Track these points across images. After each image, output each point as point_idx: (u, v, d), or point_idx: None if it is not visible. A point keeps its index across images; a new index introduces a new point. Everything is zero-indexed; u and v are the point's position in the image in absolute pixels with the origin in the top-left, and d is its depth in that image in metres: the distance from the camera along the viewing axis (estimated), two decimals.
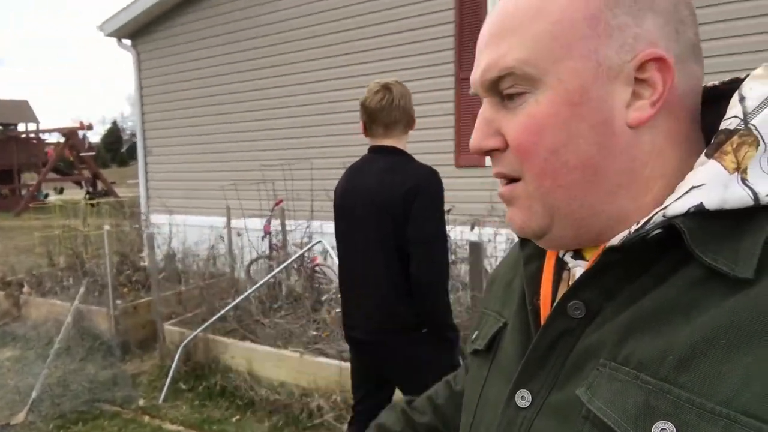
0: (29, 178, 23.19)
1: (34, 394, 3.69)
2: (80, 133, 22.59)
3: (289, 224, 5.46)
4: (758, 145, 0.42)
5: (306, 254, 4.80)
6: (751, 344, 0.37)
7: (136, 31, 7.81)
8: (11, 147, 21.50)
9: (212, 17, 7.10)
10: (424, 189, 1.84)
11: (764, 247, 0.40)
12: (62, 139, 21.51)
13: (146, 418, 3.59)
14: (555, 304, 0.51)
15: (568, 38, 0.47)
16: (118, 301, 4.85)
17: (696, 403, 0.38)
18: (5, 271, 6.37)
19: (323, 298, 4.62)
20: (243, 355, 3.91)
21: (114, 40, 7.84)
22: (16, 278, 6.07)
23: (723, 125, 0.45)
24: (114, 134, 63.73)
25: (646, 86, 0.47)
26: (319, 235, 4.78)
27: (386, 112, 1.92)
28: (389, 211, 1.86)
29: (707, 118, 0.50)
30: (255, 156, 6.75)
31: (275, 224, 5.68)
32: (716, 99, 0.50)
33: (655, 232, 0.44)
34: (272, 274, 4.28)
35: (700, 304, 0.41)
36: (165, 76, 7.69)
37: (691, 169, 0.46)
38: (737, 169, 0.42)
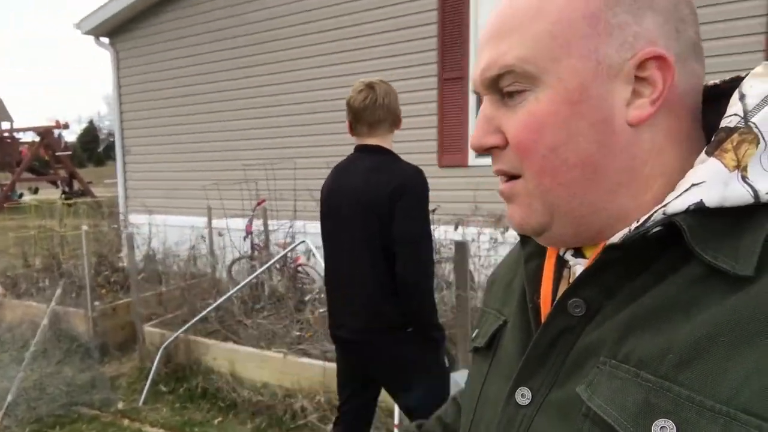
0: (3, 177, 22.66)
1: (9, 398, 3.60)
2: (56, 132, 22.13)
3: (272, 224, 5.43)
4: (758, 142, 0.42)
5: (289, 254, 4.77)
6: (751, 342, 0.37)
7: (114, 30, 7.68)
8: None
9: (192, 16, 7.02)
10: (410, 188, 1.84)
11: (764, 245, 0.40)
12: (37, 138, 21.05)
13: (126, 422, 3.53)
14: (555, 302, 0.51)
15: (568, 37, 0.47)
16: (96, 303, 4.76)
17: (696, 401, 0.38)
18: None
19: (306, 299, 4.60)
20: (225, 356, 3.87)
21: (91, 38, 7.70)
22: None
23: (723, 123, 0.45)
24: (90, 133, 62.59)
25: (646, 84, 0.47)
26: (302, 235, 4.75)
27: (370, 111, 1.91)
28: (375, 210, 1.85)
29: (708, 117, 0.50)
30: (237, 155, 6.69)
31: (257, 224, 5.63)
32: (717, 98, 0.50)
33: (656, 229, 0.44)
34: (255, 274, 4.24)
35: (701, 301, 0.41)
36: (144, 74, 7.58)
37: (691, 167, 0.46)
38: (737, 166, 0.42)
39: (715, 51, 3.94)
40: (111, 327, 4.67)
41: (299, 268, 5.18)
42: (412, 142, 5.29)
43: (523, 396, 0.51)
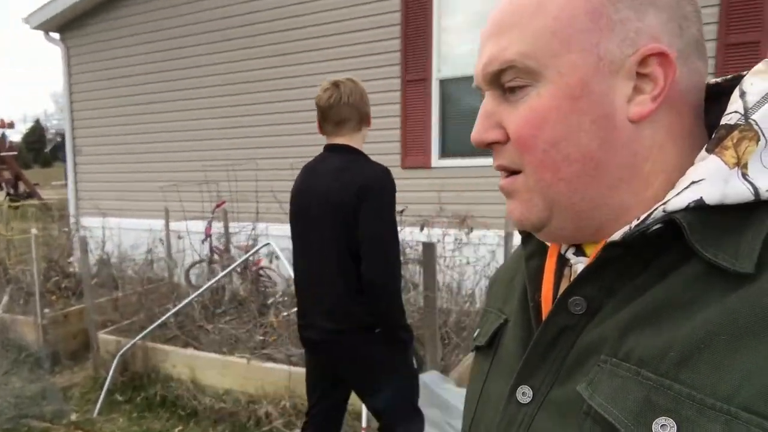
0: None
1: None
2: None
3: (233, 226, 5.31)
4: (759, 140, 0.42)
5: (251, 257, 4.68)
6: (751, 340, 0.37)
7: (66, 25, 7.38)
8: None
9: (150, 12, 6.81)
10: (376, 188, 1.83)
11: (765, 242, 0.40)
12: None
13: None
14: (556, 300, 0.51)
15: (569, 32, 0.47)
16: (46, 310, 4.56)
17: (697, 399, 0.38)
18: None
19: (269, 302, 4.52)
20: (185, 362, 3.75)
21: (41, 33, 7.37)
22: None
23: (724, 120, 0.45)
24: (37, 133, 60.00)
25: (648, 81, 0.47)
26: (265, 238, 4.67)
27: (335, 109, 1.90)
28: (342, 210, 1.84)
29: (710, 115, 0.50)
30: (197, 156, 6.53)
31: (218, 227, 5.51)
32: (719, 96, 0.50)
33: (655, 227, 0.44)
34: (218, 277, 4.14)
35: (701, 299, 0.41)
36: (97, 71, 7.30)
37: (693, 164, 0.46)
38: (737, 164, 0.42)
39: (714, 51, 4.03)
40: (62, 335, 4.47)
41: (261, 271, 5.09)
42: (375, 143, 5.27)
43: (524, 394, 0.51)
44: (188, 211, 5.82)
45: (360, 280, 1.85)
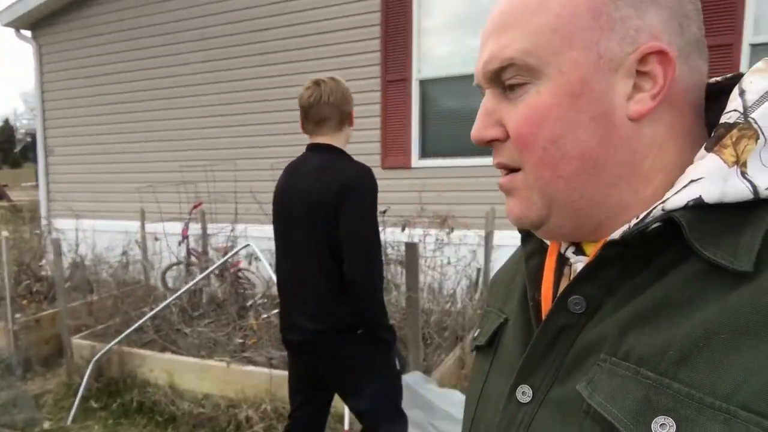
0: None
1: None
2: None
3: (212, 228, 5.24)
4: (758, 138, 0.42)
5: (230, 259, 4.62)
6: (750, 339, 0.37)
7: (38, 22, 7.20)
8: None
9: (125, 9, 6.69)
10: (357, 187, 1.82)
11: (764, 241, 0.40)
12: None
13: None
14: (556, 299, 0.51)
15: (570, 30, 0.47)
16: (18, 315, 4.42)
17: (696, 398, 0.38)
18: None
19: (248, 304, 4.47)
20: (163, 367, 3.68)
21: (12, 30, 7.18)
22: None
23: (723, 119, 0.45)
24: (5, 133, 58.52)
25: (647, 79, 0.47)
26: (244, 239, 4.61)
27: (315, 108, 1.90)
28: (323, 209, 1.83)
29: (710, 114, 0.51)
30: (174, 156, 6.42)
31: (195, 228, 5.43)
32: (719, 94, 0.50)
33: (654, 225, 0.44)
34: (197, 279, 4.08)
35: (700, 298, 0.41)
36: (70, 70, 7.14)
37: (692, 163, 0.46)
38: (736, 162, 0.42)
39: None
40: (34, 340, 4.35)
41: (240, 273, 5.03)
42: (355, 143, 5.22)
43: (524, 394, 0.51)
44: (165, 212, 5.73)
45: (342, 280, 1.84)
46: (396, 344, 2.02)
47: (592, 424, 0.43)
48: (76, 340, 4.02)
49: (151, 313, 3.92)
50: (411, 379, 2.56)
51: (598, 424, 0.43)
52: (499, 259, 4.45)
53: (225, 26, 6.08)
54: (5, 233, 4.63)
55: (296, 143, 5.55)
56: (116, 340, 3.75)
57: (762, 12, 4.14)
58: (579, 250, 0.54)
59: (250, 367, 3.41)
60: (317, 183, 1.85)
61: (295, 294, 1.99)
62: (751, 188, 0.41)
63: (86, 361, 3.78)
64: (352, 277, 1.81)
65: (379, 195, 1.91)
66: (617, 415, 0.41)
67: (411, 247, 2.41)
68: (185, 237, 5.41)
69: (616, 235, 0.46)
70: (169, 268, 5.39)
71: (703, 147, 0.45)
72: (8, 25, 7.08)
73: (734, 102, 0.45)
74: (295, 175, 1.96)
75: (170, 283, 5.34)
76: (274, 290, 4.45)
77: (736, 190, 0.42)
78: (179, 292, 4.04)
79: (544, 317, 0.52)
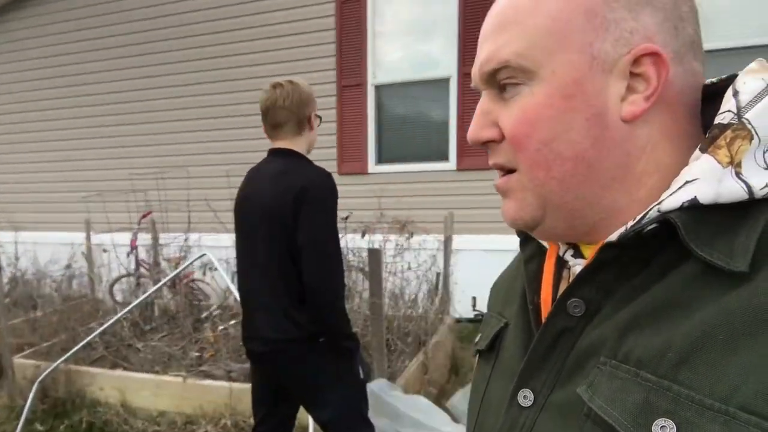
0: None
1: None
2: None
3: (164, 237, 5.06)
4: (752, 138, 0.43)
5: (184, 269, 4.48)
6: (748, 339, 0.37)
7: None
8: None
9: (69, 10, 6.42)
10: (315, 192, 1.79)
11: (759, 241, 0.40)
12: None
13: None
14: (555, 302, 0.51)
15: (564, 31, 0.48)
16: None
17: (695, 400, 0.38)
18: None
19: (204, 316, 4.33)
20: (114, 384, 3.52)
21: None
22: None
23: (717, 120, 0.45)
24: None
25: (641, 80, 0.47)
26: (198, 249, 4.48)
27: (271, 112, 1.89)
28: (282, 215, 1.80)
29: (706, 115, 0.51)
30: (123, 163, 6.20)
31: (145, 238, 5.23)
32: (714, 96, 0.51)
33: (650, 227, 0.44)
34: (150, 291, 3.93)
35: (698, 299, 0.41)
36: (9, 73, 6.80)
37: (687, 164, 0.46)
38: (731, 163, 0.43)
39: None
40: None
41: (193, 284, 4.88)
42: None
43: (525, 397, 0.51)
44: (114, 222, 5.51)
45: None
46: (359, 352, 2.00)
47: (593, 426, 0.43)
48: (18, 360, 3.81)
49: (101, 328, 3.74)
50: (376, 387, 2.54)
51: (599, 426, 0.43)
52: (459, 263, 4.50)
53: (174, 29, 5.93)
54: None
55: (253, 149, 5.45)
56: (63, 358, 3.56)
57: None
58: (577, 253, 0.54)
59: (208, 381, 3.31)
60: (275, 188, 1.81)
61: (256, 303, 1.95)
62: (746, 188, 0.42)
63: (30, 382, 3.58)
64: (312, 285, 1.78)
65: (339, 201, 1.89)
66: (618, 418, 0.41)
67: (374, 253, 2.39)
68: (134, 248, 5.25)
69: (613, 237, 0.47)
70: (117, 280, 5.19)
71: (697, 148, 0.46)
72: None
73: (728, 103, 0.45)
74: (254, 181, 1.93)
75: (119, 297, 5.13)
76: (231, 301, 4.36)
77: (730, 190, 0.42)
78: (131, 306, 3.88)
79: (543, 320, 0.52)
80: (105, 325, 3.71)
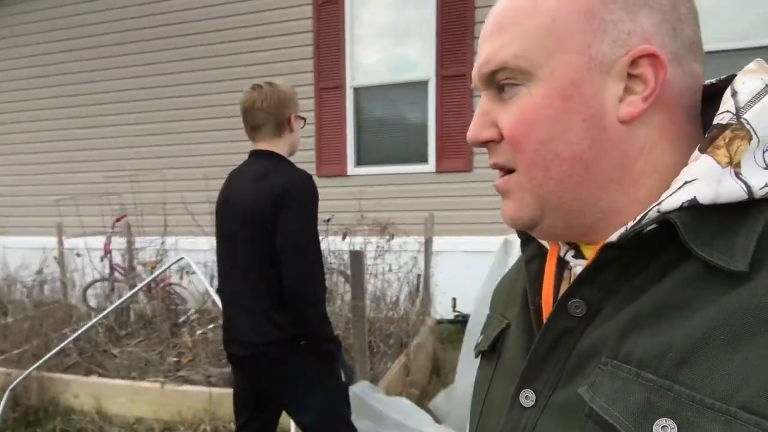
0: None
1: None
2: None
3: (140, 241, 4.97)
4: (751, 138, 0.43)
5: (160, 273, 4.40)
6: (748, 339, 0.37)
7: None
8: None
9: (40, 10, 6.26)
10: (294, 193, 1.78)
11: (759, 240, 0.41)
12: None
13: None
14: (556, 303, 0.51)
15: (562, 33, 0.48)
16: None
17: (696, 400, 0.38)
18: None
19: (181, 320, 4.26)
20: (89, 391, 3.44)
21: None
22: None
23: (716, 120, 0.46)
24: None
25: (639, 82, 0.48)
26: (175, 252, 4.40)
27: (250, 114, 1.88)
28: (262, 217, 1.78)
29: (706, 116, 0.51)
30: (97, 166, 6.08)
31: (119, 242, 5.13)
32: (714, 96, 0.51)
33: (650, 227, 0.44)
34: (127, 296, 3.86)
35: (699, 299, 0.41)
36: None
37: (687, 164, 0.47)
38: (730, 163, 0.43)
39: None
40: None
41: (169, 288, 4.80)
42: None
43: (527, 398, 0.51)
44: (87, 226, 5.39)
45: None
46: (341, 355, 1.99)
47: (594, 427, 0.43)
48: None
49: (75, 334, 3.65)
50: (359, 390, 2.53)
51: (600, 427, 0.43)
52: (439, 264, 4.51)
53: (151, 29, 5.84)
54: None
55: (232, 151, 5.41)
56: (35, 365, 3.46)
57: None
58: (578, 254, 0.54)
59: (187, 387, 3.26)
60: (255, 190, 1.80)
61: (237, 305, 1.93)
62: (745, 188, 0.42)
63: (0, 390, 3.47)
64: (292, 288, 1.77)
65: (319, 203, 1.88)
66: (619, 418, 0.41)
67: (356, 255, 2.38)
68: (108, 252, 5.15)
69: (613, 237, 0.47)
70: (90, 285, 5.09)
71: (697, 148, 0.46)
72: None
73: (727, 103, 0.46)
74: (235, 183, 1.92)
75: (93, 302, 5.02)
76: (209, 304, 4.30)
77: (729, 190, 0.42)
78: (107, 311, 3.80)
79: (545, 321, 0.52)
80: (79, 331, 3.63)
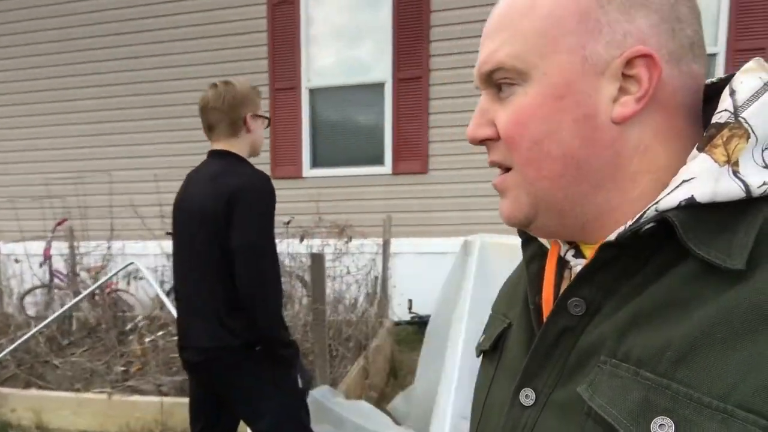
0: None
1: None
2: None
3: (84, 246, 4.74)
4: (748, 137, 0.43)
5: (106, 279, 4.21)
6: (746, 337, 0.37)
7: None
8: None
9: None
10: (250, 194, 1.74)
11: (757, 239, 0.41)
12: None
13: None
14: (556, 302, 0.51)
15: (557, 33, 0.48)
16: None
17: (694, 398, 0.38)
18: None
19: (128, 328, 4.09)
20: (28, 405, 3.26)
21: None
22: None
23: (714, 119, 0.46)
24: None
25: (633, 82, 0.48)
26: (122, 257, 4.23)
27: (205, 113, 1.85)
28: (216, 218, 1.74)
29: (706, 115, 0.51)
30: (37, 168, 5.78)
31: (60, 247, 4.89)
32: (714, 95, 0.51)
33: (648, 226, 0.44)
34: (73, 302, 3.68)
35: (697, 298, 0.41)
36: None
37: (685, 164, 0.47)
38: (728, 161, 0.43)
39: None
40: None
41: (114, 295, 4.61)
42: None
43: (527, 397, 0.52)
44: (26, 230, 5.11)
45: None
46: (299, 360, 1.95)
47: (594, 425, 0.44)
48: None
49: (13, 345, 3.46)
50: (319, 394, 2.48)
51: (600, 425, 0.43)
52: (397, 266, 4.51)
53: (98, 26, 5.60)
54: None
55: (185, 152, 5.25)
56: None
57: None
58: (578, 253, 0.54)
59: (136, 397, 3.14)
60: (212, 190, 1.75)
61: (191, 310, 1.87)
62: (743, 187, 0.42)
63: None
64: (247, 291, 1.72)
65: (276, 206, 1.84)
66: (617, 417, 0.41)
67: (317, 258, 2.34)
68: (48, 257, 4.92)
69: (612, 236, 0.47)
70: (27, 292, 4.84)
71: (695, 147, 0.46)
72: None
73: (725, 102, 0.46)
74: (192, 183, 1.87)
75: (31, 310, 4.76)
76: (159, 311, 4.14)
77: (727, 189, 0.42)
78: (48, 319, 3.60)
79: (545, 320, 0.53)
80: (17, 342, 3.43)
